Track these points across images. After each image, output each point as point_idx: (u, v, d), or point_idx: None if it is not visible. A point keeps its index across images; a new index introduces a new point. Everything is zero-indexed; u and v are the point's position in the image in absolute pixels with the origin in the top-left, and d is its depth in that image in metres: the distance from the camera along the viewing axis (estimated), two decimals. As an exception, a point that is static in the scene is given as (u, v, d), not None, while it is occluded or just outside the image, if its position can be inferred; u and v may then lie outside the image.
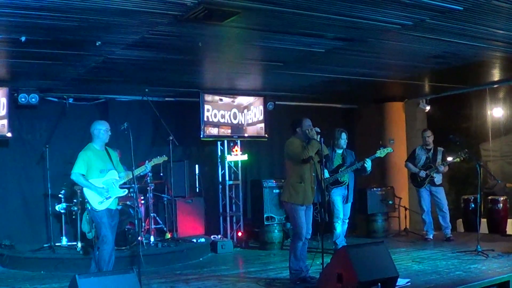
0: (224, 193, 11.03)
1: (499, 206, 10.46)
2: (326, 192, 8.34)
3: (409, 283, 6.47)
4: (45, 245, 8.98)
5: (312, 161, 6.87)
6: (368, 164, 8.44)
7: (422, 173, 9.86)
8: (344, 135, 8.96)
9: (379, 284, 5.82)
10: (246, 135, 11.05)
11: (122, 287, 5.16)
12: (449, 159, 9.72)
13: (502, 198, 10.49)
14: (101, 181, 6.74)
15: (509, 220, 10.57)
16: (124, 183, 7.03)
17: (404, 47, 7.57)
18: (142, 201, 9.34)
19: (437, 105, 12.20)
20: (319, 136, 6.81)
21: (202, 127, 10.41)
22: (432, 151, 9.96)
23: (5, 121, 9.04)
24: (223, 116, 10.73)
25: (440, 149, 9.94)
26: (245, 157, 11.03)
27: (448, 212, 9.93)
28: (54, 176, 9.28)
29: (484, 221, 10.49)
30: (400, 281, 6.27)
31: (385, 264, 6.06)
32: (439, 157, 9.86)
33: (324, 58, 8.06)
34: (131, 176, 6.75)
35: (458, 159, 9.52)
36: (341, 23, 6.28)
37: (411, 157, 10.30)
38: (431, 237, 10.09)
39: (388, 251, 6.27)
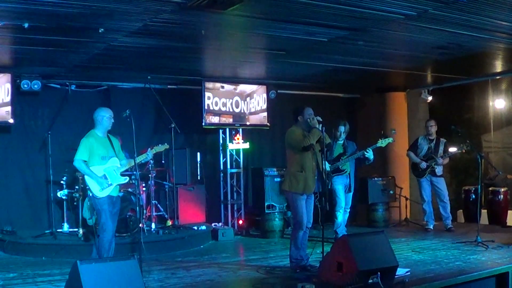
0: (226, 181, 11.05)
1: (499, 197, 10.48)
2: (328, 180, 8.36)
3: (409, 273, 6.48)
4: (46, 231, 9.02)
5: (313, 150, 6.87)
6: (369, 153, 8.44)
7: (423, 165, 9.82)
8: (343, 127, 8.92)
9: (379, 273, 5.82)
10: (248, 123, 11.06)
11: (123, 273, 5.17)
12: (451, 150, 9.70)
13: (502, 190, 10.51)
14: (103, 168, 6.74)
15: (509, 212, 10.58)
16: (126, 170, 7.05)
17: (407, 38, 7.55)
18: (144, 188, 9.36)
19: (439, 95, 12.17)
20: (320, 125, 6.81)
21: (204, 115, 10.43)
22: (434, 141, 9.91)
23: (9, 108, 9.06)
24: (224, 104, 10.71)
25: (443, 140, 9.89)
26: (246, 145, 11.03)
27: (449, 203, 9.91)
28: (56, 162, 9.31)
29: (484, 212, 10.52)
30: (400, 271, 6.28)
31: (385, 254, 6.07)
32: (441, 148, 9.81)
33: (327, 47, 8.04)
34: (133, 164, 6.75)
35: (460, 151, 9.51)
36: (345, 13, 6.27)
37: (413, 147, 10.24)
38: (431, 227, 10.08)
39: (388, 240, 6.27)
